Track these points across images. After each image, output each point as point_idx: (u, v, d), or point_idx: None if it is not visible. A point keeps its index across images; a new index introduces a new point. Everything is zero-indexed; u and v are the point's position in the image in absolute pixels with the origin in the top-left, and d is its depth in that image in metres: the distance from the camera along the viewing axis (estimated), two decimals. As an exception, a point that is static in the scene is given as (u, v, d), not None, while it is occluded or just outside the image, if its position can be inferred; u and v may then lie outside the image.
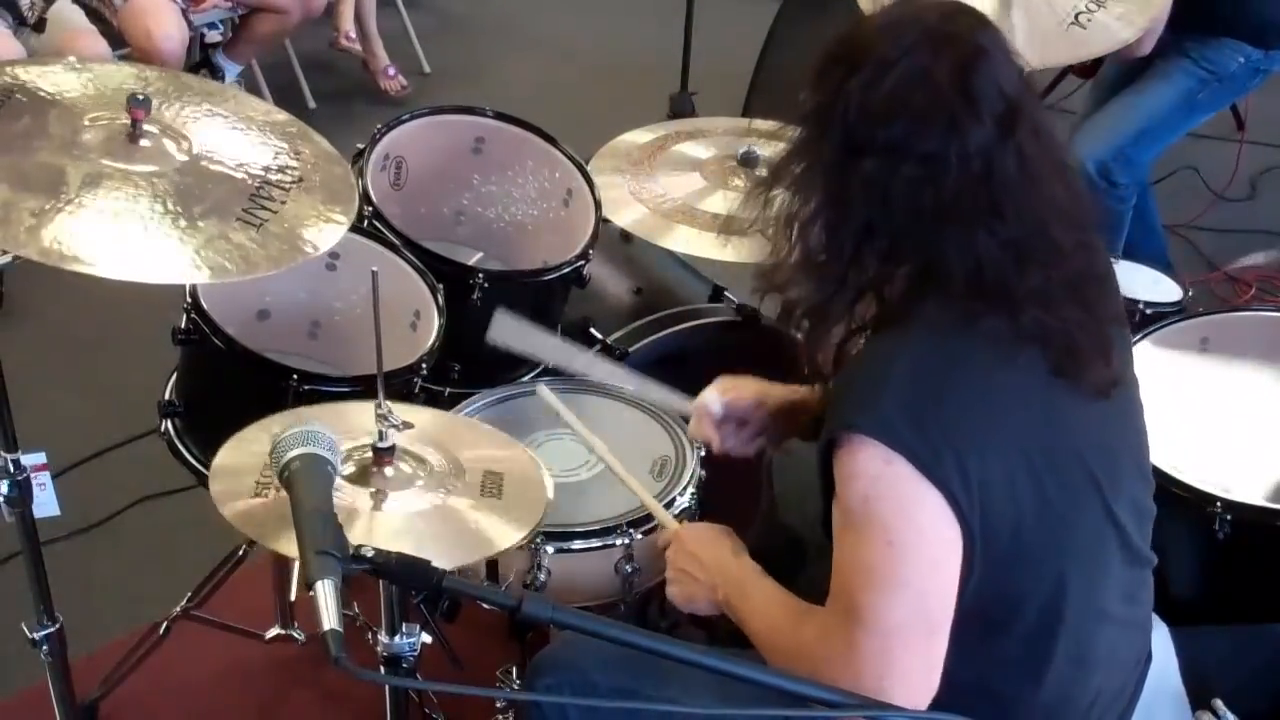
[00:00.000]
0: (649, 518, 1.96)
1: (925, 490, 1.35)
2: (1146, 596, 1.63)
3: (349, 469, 1.65)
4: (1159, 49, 3.06)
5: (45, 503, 1.92)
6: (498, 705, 2.12)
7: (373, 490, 1.64)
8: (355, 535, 1.53)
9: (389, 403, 1.65)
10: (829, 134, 1.41)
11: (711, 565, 1.66)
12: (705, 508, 2.05)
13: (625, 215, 2.39)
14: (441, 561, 1.53)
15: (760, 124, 2.57)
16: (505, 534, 1.64)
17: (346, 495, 1.61)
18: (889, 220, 1.40)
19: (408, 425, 1.70)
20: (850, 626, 1.38)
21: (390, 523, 1.60)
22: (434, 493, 1.66)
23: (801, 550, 1.96)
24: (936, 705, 1.39)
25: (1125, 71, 3.29)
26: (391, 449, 1.65)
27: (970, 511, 1.37)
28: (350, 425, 1.72)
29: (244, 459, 1.66)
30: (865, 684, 1.36)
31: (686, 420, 2.00)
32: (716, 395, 1.90)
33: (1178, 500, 2.05)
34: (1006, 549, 1.40)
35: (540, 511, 1.70)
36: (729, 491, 2.11)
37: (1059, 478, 1.43)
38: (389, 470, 1.66)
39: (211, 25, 4.17)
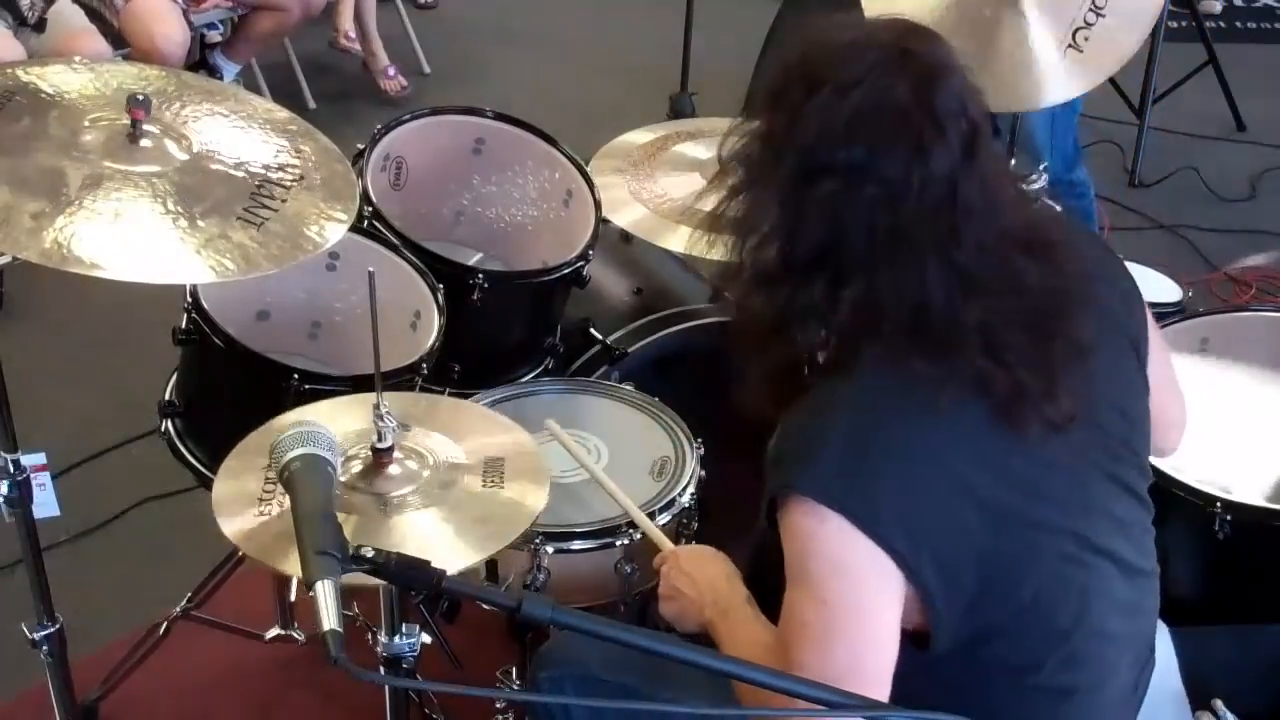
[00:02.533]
0: (649, 517, 1.96)
1: (862, 547, 1.33)
2: (1151, 605, 1.61)
3: (356, 467, 1.66)
4: None
5: (45, 503, 1.92)
6: (497, 705, 2.12)
7: (381, 492, 1.64)
8: (380, 541, 1.52)
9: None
10: (785, 155, 1.37)
11: (703, 584, 1.66)
12: (705, 508, 2.05)
13: (625, 215, 2.39)
14: (470, 553, 1.55)
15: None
16: (522, 511, 1.64)
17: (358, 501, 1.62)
18: (842, 243, 1.36)
19: (405, 427, 1.70)
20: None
21: (409, 523, 1.60)
22: (441, 487, 1.66)
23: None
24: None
25: None
26: (391, 449, 1.65)
27: (918, 564, 1.35)
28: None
29: (247, 473, 1.65)
30: None
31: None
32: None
33: (1178, 500, 2.05)
34: (973, 592, 1.38)
35: (546, 482, 1.70)
36: (729, 493, 2.11)
37: (1013, 516, 1.40)
38: (393, 469, 1.66)
39: (211, 25, 4.17)
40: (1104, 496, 1.51)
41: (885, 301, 1.37)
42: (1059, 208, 2.67)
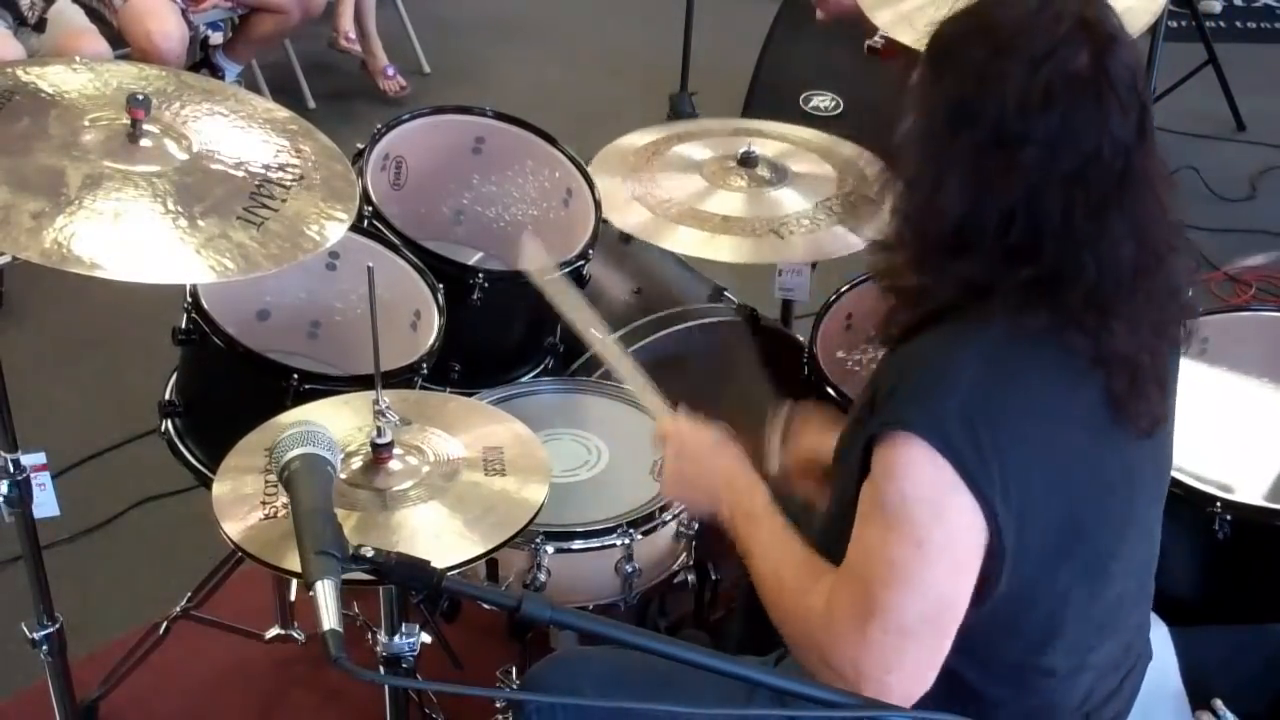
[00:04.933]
0: (649, 517, 1.96)
1: (965, 499, 1.34)
2: (1145, 601, 1.63)
3: (357, 463, 1.66)
4: None
5: (45, 503, 1.92)
6: (497, 705, 2.12)
7: (382, 488, 1.63)
8: (383, 537, 1.55)
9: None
10: (975, 122, 1.35)
11: (719, 478, 1.61)
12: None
13: (627, 218, 2.39)
14: (475, 545, 1.56)
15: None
16: (526, 501, 1.64)
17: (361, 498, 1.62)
18: (1034, 213, 1.35)
19: (406, 421, 1.70)
20: (864, 617, 1.37)
21: (412, 518, 1.60)
22: (443, 480, 1.66)
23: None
24: (932, 703, 1.39)
25: None
26: (390, 444, 1.65)
27: (1006, 525, 1.35)
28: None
29: (247, 473, 1.66)
30: (867, 674, 1.36)
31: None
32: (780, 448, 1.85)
33: (1178, 500, 2.04)
34: (1030, 563, 1.40)
35: (547, 470, 1.70)
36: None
37: (1087, 504, 1.42)
38: (393, 464, 1.65)
39: (214, 26, 4.18)
40: (1145, 501, 1.54)
41: (1066, 276, 1.36)
42: None
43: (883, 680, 1.36)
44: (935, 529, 1.35)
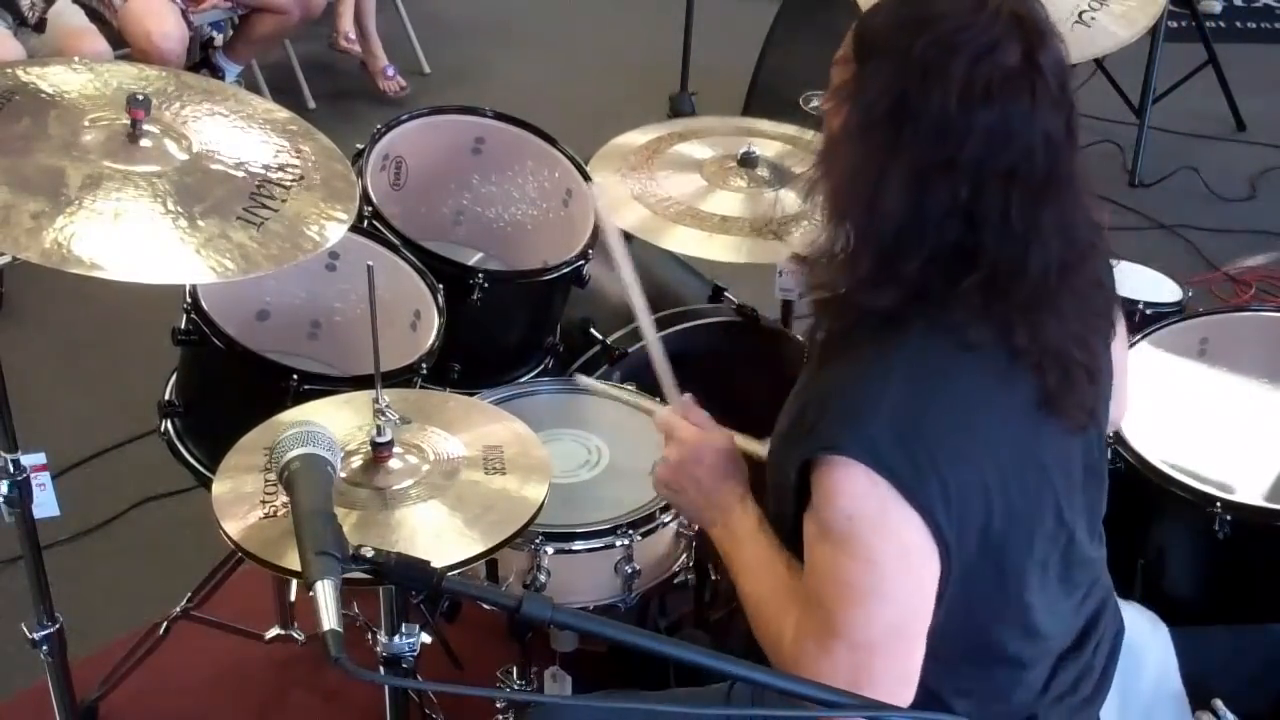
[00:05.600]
0: (649, 518, 1.96)
1: (907, 511, 1.34)
2: (1100, 575, 1.62)
3: (357, 462, 1.66)
4: None
5: (45, 503, 1.92)
6: (498, 705, 2.12)
7: (382, 487, 1.63)
8: (383, 535, 1.54)
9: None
10: (919, 116, 1.32)
11: (715, 498, 1.58)
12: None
13: (626, 217, 2.38)
14: (476, 543, 1.56)
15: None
16: (526, 499, 1.64)
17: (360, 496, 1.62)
18: (973, 212, 1.34)
19: (405, 420, 1.70)
20: (826, 637, 1.38)
21: (412, 517, 1.60)
22: (443, 478, 1.66)
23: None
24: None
25: None
26: (390, 443, 1.65)
27: (949, 531, 1.36)
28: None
29: (246, 471, 1.65)
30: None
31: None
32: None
33: (1178, 500, 2.05)
34: (975, 562, 1.40)
35: (547, 470, 1.69)
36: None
37: (1025, 492, 1.42)
38: (393, 463, 1.65)
39: (215, 26, 4.18)
40: (1087, 486, 1.54)
41: (1007, 273, 1.35)
42: None
43: None
44: (884, 543, 1.35)
